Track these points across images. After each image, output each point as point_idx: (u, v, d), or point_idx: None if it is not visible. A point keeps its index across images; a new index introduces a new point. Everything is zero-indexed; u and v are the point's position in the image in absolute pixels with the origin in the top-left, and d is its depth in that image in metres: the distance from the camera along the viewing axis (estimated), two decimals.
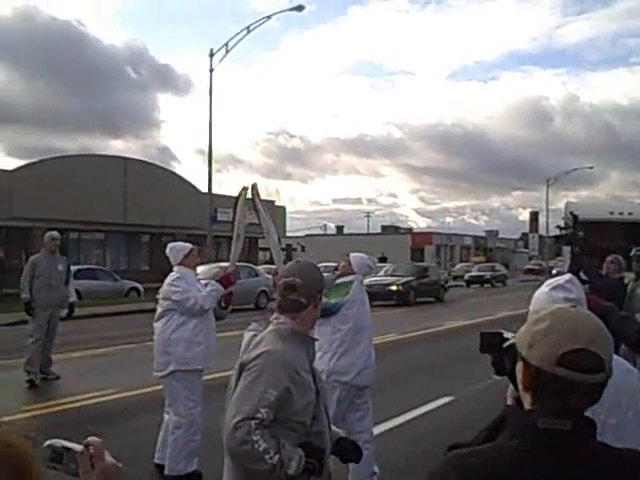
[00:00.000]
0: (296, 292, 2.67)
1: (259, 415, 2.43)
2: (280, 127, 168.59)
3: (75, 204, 31.98)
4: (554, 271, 49.30)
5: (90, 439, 1.31)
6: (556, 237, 8.15)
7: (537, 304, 2.38)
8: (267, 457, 2.41)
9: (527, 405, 1.48)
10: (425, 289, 27.58)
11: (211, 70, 29.67)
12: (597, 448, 1.42)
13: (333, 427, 2.84)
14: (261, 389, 2.46)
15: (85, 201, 32.39)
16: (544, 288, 2.46)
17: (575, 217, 8.75)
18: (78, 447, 1.29)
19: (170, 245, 6.13)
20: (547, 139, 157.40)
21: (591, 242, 9.51)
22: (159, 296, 5.88)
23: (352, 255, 5.73)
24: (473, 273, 45.89)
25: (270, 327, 2.69)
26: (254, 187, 5.79)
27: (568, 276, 2.51)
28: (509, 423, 1.48)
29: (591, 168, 66.54)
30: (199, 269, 6.55)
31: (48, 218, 29.54)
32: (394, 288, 25.36)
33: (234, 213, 5.98)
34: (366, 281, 6.36)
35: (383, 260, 42.28)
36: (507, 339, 1.87)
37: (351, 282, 5.45)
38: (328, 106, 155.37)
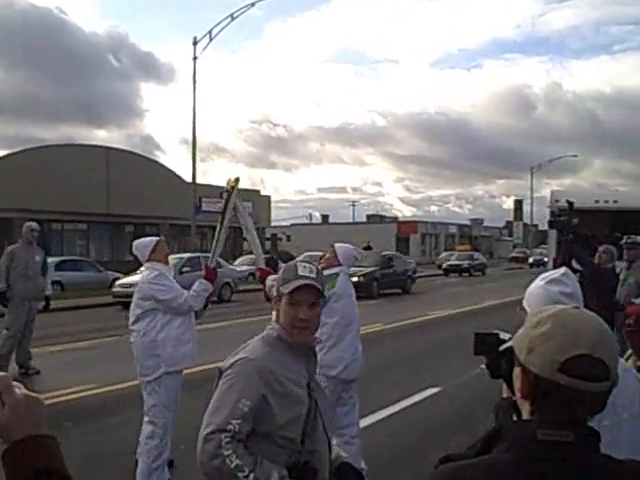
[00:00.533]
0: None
1: (230, 427, 2.21)
2: (264, 115, 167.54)
3: (58, 195, 31.67)
4: (531, 260, 49.34)
5: None
6: (550, 223, 8.06)
7: (532, 298, 2.31)
8: (241, 475, 2.18)
9: (525, 414, 1.37)
10: (390, 280, 26.19)
11: (194, 58, 29.40)
12: (600, 460, 1.31)
13: (336, 448, 2.59)
14: (233, 399, 2.25)
15: (68, 191, 32.07)
16: (539, 282, 2.36)
17: (571, 204, 8.69)
18: None
19: (135, 243, 5.74)
20: (531, 127, 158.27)
21: (577, 230, 9.51)
22: (136, 296, 5.45)
23: (337, 246, 5.58)
24: (451, 262, 44.52)
25: (264, 332, 2.48)
26: (237, 181, 5.48)
27: (563, 269, 2.42)
28: (506, 434, 1.36)
29: (575, 156, 67.18)
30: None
31: (30, 209, 29.20)
32: (355, 279, 24.76)
33: (225, 207, 5.55)
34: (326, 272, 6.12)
35: (368, 249, 42.23)
36: (504, 340, 1.77)
37: (337, 274, 5.31)
38: (312, 94, 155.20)
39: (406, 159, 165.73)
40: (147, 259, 5.51)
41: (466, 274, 42.04)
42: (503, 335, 1.83)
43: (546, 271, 2.61)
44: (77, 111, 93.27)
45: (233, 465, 2.18)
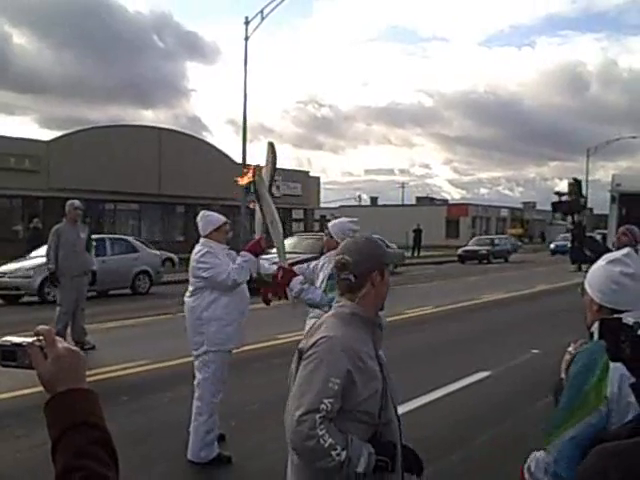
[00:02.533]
0: (347, 270, 2.45)
1: (323, 407, 2.21)
2: (310, 96, 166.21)
3: (110, 175, 32.27)
4: (552, 245, 46.82)
5: (39, 328, 1.26)
6: (553, 205, 7.53)
7: (593, 279, 2.31)
8: (334, 453, 2.20)
9: None
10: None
11: (246, 38, 29.34)
12: None
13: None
14: (322, 378, 2.25)
15: (120, 172, 32.64)
16: (601, 262, 2.33)
17: (578, 182, 8.21)
18: (28, 340, 1.25)
19: (202, 213, 5.69)
20: (584, 107, 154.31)
21: (634, 215, 9.22)
22: (189, 272, 5.56)
23: (330, 225, 5.33)
24: (468, 248, 39.45)
25: (331, 311, 2.51)
26: (259, 169, 5.27)
27: (626, 250, 2.37)
28: None
29: (634, 137, 64.79)
30: None
31: (84, 189, 29.82)
32: None
33: (257, 199, 5.35)
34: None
35: (418, 232, 41.92)
36: (628, 325, 1.76)
37: None
38: (359, 74, 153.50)
39: (455, 140, 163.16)
40: (206, 235, 5.52)
41: (485, 261, 37.44)
42: (626, 319, 1.82)
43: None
44: (125, 92, 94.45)
45: (327, 444, 2.19)
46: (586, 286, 2.34)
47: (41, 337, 1.25)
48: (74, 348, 1.28)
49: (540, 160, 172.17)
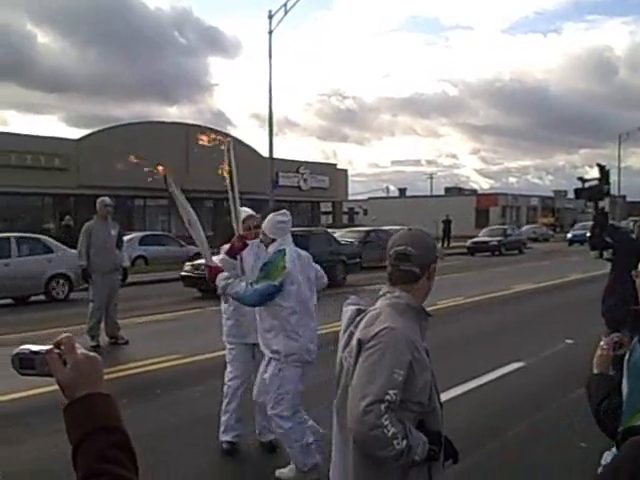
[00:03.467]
0: (409, 262, 2.45)
1: (388, 397, 2.23)
2: (333, 88, 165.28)
3: (139, 171, 32.44)
4: (569, 235, 45.13)
5: (61, 337, 1.28)
6: (576, 191, 7.19)
7: None
8: (395, 442, 2.23)
9: None
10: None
11: (270, 32, 29.34)
12: None
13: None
14: (387, 369, 2.26)
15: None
16: None
17: (602, 167, 7.84)
18: (46, 347, 1.27)
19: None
20: (613, 92, 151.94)
21: None
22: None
23: (263, 225, 5.26)
24: (477, 239, 37.01)
25: (384, 301, 2.49)
26: (167, 169, 5.20)
27: None
28: None
29: None
30: None
31: (113, 186, 30.10)
32: None
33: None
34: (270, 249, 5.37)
35: (447, 222, 41.62)
36: None
37: (283, 251, 4.91)
38: (381, 65, 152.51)
39: (481, 129, 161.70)
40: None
41: (497, 253, 34.87)
42: None
43: None
44: (148, 89, 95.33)
45: (390, 434, 2.22)
46: None
47: (60, 345, 1.27)
48: (92, 354, 1.29)
49: (569, 148, 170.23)
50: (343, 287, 17.70)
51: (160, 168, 5.12)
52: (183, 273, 17.56)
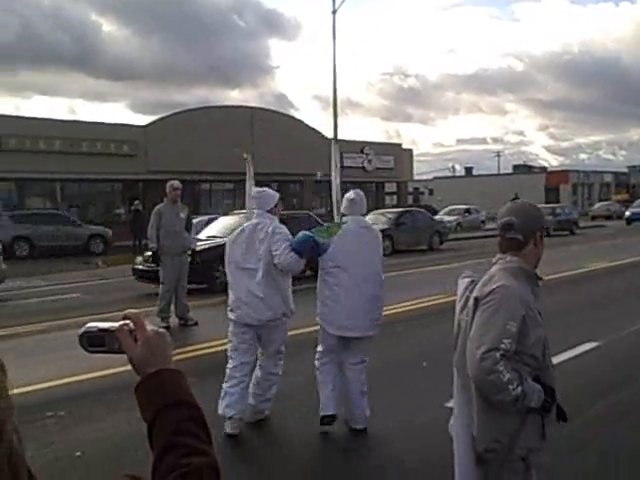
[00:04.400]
0: (513, 230, 2.75)
1: (502, 346, 2.47)
2: (395, 67, 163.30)
3: (205, 155, 32.99)
4: (628, 213, 41.85)
5: (127, 312, 1.28)
6: None
7: None
8: (511, 387, 2.45)
9: None
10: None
11: (334, 11, 29.12)
12: None
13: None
14: (501, 321, 2.50)
15: (215, 152, 33.29)
16: None
17: None
18: (115, 324, 1.26)
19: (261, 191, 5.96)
20: None
21: None
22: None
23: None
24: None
25: (497, 266, 2.75)
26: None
27: None
28: None
29: None
30: None
31: (180, 170, 30.62)
32: None
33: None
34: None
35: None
36: None
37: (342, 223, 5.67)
38: (445, 41, 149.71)
39: (549, 105, 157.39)
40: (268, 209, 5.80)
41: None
42: None
43: None
44: (210, 74, 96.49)
45: (505, 379, 2.45)
46: None
47: (129, 321, 1.26)
48: (161, 330, 1.28)
49: None
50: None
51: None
52: None
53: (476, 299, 2.65)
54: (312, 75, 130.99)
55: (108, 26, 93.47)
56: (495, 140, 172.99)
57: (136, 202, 27.22)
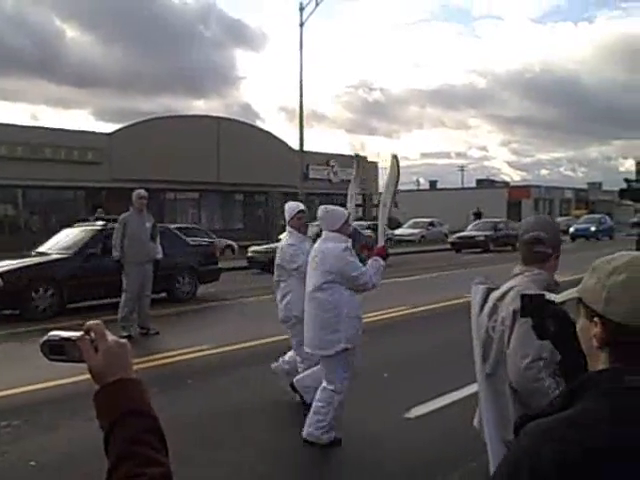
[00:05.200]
0: (542, 244, 2.96)
1: (544, 356, 2.70)
2: (360, 80, 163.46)
3: (170, 165, 32.77)
4: (572, 229, 41.33)
5: (89, 323, 1.29)
6: (620, 191, 6.90)
7: None
8: (550, 392, 2.66)
9: (600, 365, 1.35)
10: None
11: (301, 24, 29.36)
12: None
13: None
14: None
15: (180, 161, 33.11)
16: None
17: None
18: (77, 334, 1.27)
19: (324, 208, 5.56)
20: None
21: None
22: (322, 267, 5.26)
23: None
24: (463, 233, 33.43)
25: (524, 278, 2.93)
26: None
27: None
28: (591, 385, 1.31)
29: None
30: None
31: (145, 179, 30.37)
32: None
33: (395, 179, 5.71)
34: None
35: (478, 215, 41.27)
36: (550, 301, 1.78)
37: None
38: (410, 56, 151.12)
39: (512, 121, 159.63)
40: (335, 229, 5.41)
41: (479, 249, 30.83)
42: (549, 296, 1.81)
43: None
44: (175, 82, 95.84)
45: (546, 385, 2.72)
46: None
47: (91, 331, 1.27)
48: (121, 340, 1.30)
49: (603, 139, 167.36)
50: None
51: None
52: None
53: (514, 312, 2.74)
54: (278, 86, 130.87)
55: (72, 32, 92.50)
56: (459, 155, 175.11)
57: (99, 210, 26.89)
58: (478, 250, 30.78)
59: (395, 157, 5.69)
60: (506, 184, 73.50)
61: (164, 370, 7.87)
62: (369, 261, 5.38)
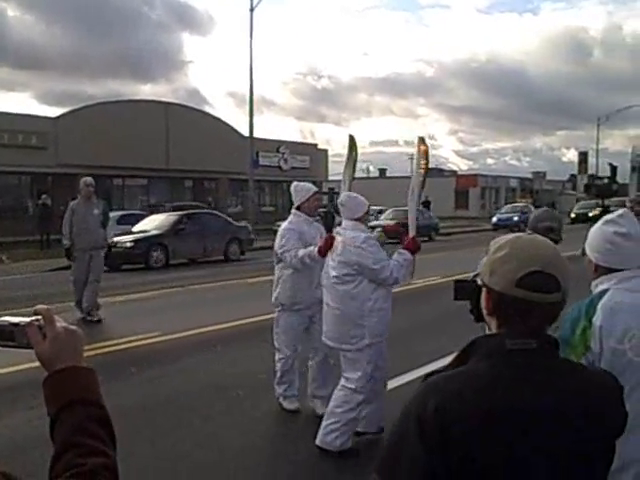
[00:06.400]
0: (553, 233, 3.65)
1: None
2: (309, 67, 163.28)
3: (118, 150, 32.27)
4: (494, 219, 41.34)
5: (37, 307, 1.26)
6: (586, 186, 7.35)
7: (590, 239, 2.49)
8: None
9: (493, 329, 1.56)
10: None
11: (252, 9, 29.13)
12: (562, 364, 1.54)
13: None
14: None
15: (128, 147, 32.65)
16: (598, 223, 2.50)
17: (614, 168, 8.25)
18: (26, 319, 1.24)
19: (346, 194, 5.30)
20: (590, 75, 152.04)
21: None
22: (341, 257, 4.97)
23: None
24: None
25: None
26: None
27: (622, 211, 2.52)
28: (478, 347, 1.52)
29: None
30: None
31: (92, 165, 29.88)
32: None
33: (424, 164, 5.39)
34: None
35: (427, 203, 41.75)
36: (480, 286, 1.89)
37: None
38: (358, 44, 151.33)
39: (459, 110, 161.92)
40: (356, 218, 5.13)
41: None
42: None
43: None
44: (121, 66, 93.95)
45: None
46: (586, 247, 2.48)
47: (39, 316, 1.25)
48: (72, 327, 1.27)
49: (547, 129, 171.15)
50: None
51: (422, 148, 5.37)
52: None
53: None
54: (226, 71, 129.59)
55: (12, 11, 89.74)
56: (407, 143, 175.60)
57: (44, 196, 26.38)
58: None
59: (422, 138, 5.58)
60: (454, 173, 74.57)
61: (107, 358, 7.82)
62: (395, 254, 5.02)
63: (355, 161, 5.99)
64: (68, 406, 1.19)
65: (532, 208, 45.04)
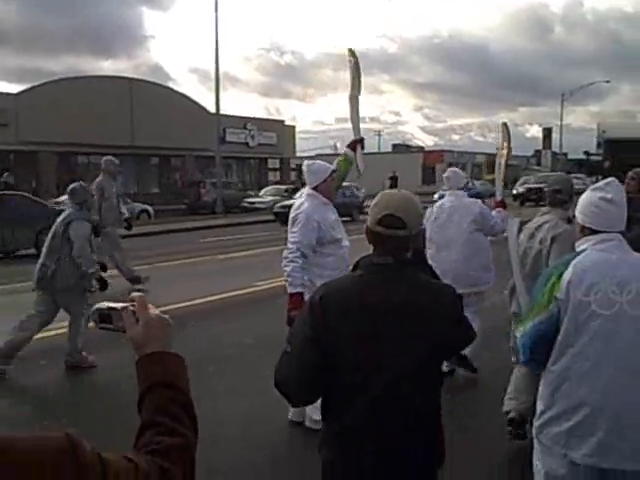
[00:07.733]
0: (561, 193, 4.59)
1: None
2: (272, 42, 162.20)
3: (82, 127, 31.67)
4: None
5: (132, 294, 1.38)
6: (579, 162, 7.71)
7: (579, 204, 2.73)
8: None
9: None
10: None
11: None
12: (411, 275, 2.23)
13: None
14: (570, 249, 3.02)
15: (92, 124, 32.04)
16: (588, 189, 2.74)
17: (608, 143, 8.89)
18: (123, 305, 1.36)
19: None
20: (552, 51, 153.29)
21: (620, 161, 9.44)
22: (468, 218, 6.20)
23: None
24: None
25: (554, 215, 4.52)
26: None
27: (610, 179, 2.71)
28: (359, 262, 2.25)
29: (607, 82, 65.20)
30: None
31: (55, 142, 29.36)
32: None
33: (507, 142, 6.76)
34: None
35: (394, 179, 41.87)
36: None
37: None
38: (321, 19, 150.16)
39: (424, 87, 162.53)
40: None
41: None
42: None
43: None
44: (79, 41, 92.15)
45: None
46: (576, 212, 2.75)
47: (134, 302, 1.35)
48: (164, 316, 1.36)
49: (511, 106, 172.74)
50: None
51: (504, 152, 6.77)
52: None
53: (553, 237, 4.32)
54: (189, 47, 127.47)
55: None
56: (373, 119, 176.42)
57: (6, 174, 25.89)
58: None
59: (505, 124, 6.95)
60: (421, 149, 74.87)
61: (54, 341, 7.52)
62: (493, 212, 6.45)
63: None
64: (154, 387, 1.28)
65: (477, 184, 45.33)
